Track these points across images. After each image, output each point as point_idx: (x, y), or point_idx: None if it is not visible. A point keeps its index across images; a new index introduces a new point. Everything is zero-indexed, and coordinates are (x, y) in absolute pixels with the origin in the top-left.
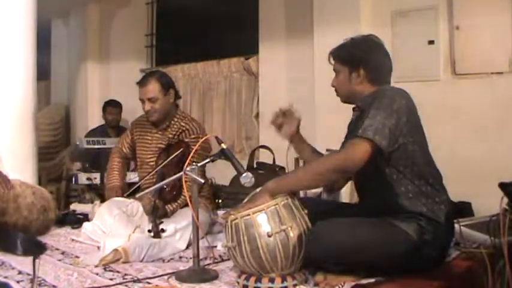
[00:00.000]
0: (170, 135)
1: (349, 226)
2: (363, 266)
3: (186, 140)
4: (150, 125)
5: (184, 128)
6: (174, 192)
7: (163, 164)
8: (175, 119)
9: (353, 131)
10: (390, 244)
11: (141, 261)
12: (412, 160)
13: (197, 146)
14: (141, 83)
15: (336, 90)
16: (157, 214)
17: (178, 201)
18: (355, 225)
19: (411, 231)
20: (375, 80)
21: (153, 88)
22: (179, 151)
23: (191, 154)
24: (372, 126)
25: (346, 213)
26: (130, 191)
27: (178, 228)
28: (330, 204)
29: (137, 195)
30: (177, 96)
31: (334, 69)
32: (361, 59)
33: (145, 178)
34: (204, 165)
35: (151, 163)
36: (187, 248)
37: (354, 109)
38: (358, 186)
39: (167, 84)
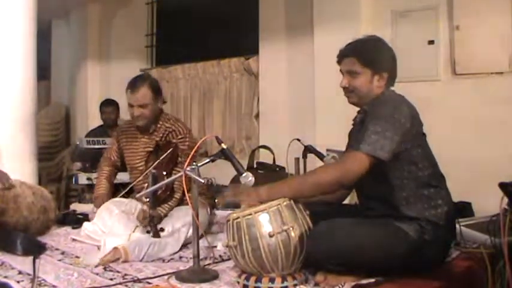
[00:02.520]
0: (157, 138)
1: (349, 227)
2: (363, 266)
3: (174, 140)
4: (135, 130)
5: (170, 130)
6: (168, 193)
7: (153, 165)
8: (160, 122)
9: (355, 137)
10: (391, 244)
11: (141, 260)
12: (415, 164)
13: (193, 151)
14: (133, 89)
15: (347, 91)
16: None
17: (170, 203)
18: (355, 225)
19: (411, 231)
20: (390, 83)
21: (145, 94)
22: (168, 152)
23: (189, 158)
24: (370, 139)
25: (346, 214)
26: (123, 192)
27: (175, 228)
28: (330, 205)
29: (137, 196)
30: (163, 101)
31: (349, 70)
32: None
33: (137, 181)
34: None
35: (141, 168)
36: (187, 248)
37: (358, 112)
38: (359, 191)
39: (158, 90)
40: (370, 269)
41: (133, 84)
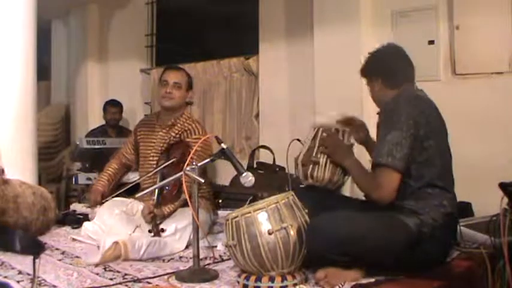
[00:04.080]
0: (173, 134)
1: (349, 216)
2: (364, 256)
3: (187, 140)
4: (155, 123)
5: (186, 128)
6: (175, 192)
7: (164, 165)
8: (181, 119)
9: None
10: (390, 234)
11: (141, 258)
12: (427, 164)
13: (197, 145)
14: (172, 67)
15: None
16: (157, 219)
17: (176, 203)
18: (355, 215)
19: (411, 223)
20: (393, 85)
21: (182, 76)
22: (179, 156)
23: (191, 154)
24: (384, 149)
25: (350, 206)
26: (126, 188)
27: (179, 228)
28: (334, 198)
29: (137, 196)
30: (190, 101)
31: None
32: (375, 70)
33: (144, 178)
34: (204, 166)
35: (153, 162)
36: (187, 247)
37: (378, 113)
38: None
39: (191, 84)
40: (370, 257)
41: (173, 66)
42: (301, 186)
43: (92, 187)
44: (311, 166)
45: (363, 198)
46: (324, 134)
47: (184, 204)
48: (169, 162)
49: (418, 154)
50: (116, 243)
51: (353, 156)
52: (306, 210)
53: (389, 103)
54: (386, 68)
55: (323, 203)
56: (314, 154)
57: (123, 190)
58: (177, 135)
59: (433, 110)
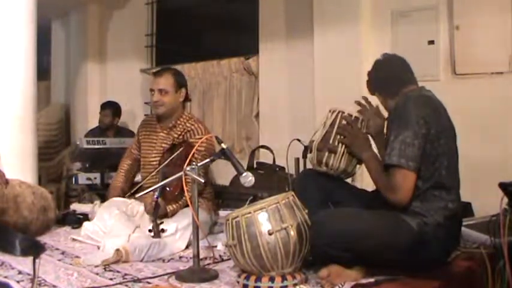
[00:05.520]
0: (175, 135)
1: (353, 213)
2: (365, 254)
3: (191, 140)
4: (156, 124)
5: (189, 129)
6: (177, 193)
7: (165, 163)
8: (182, 119)
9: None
10: (392, 233)
11: (141, 261)
12: (436, 164)
13: (197, 144)
14: (156, 74)
15: None
16: (158, 214)
17: (179, 202)
18: (359, 213)
19: (414, 224)
20: (391, 94)
21: (166, 81)
22: (180, 150)
23: (192, 152)
24: (396, 150)
25: (356, 199)
26: (132, 191)
27: (180, 228)
28: (341, 188)
29: (137, 195)
30: (187, 98)
31: None
32: (372, 87)
33: (148, 178)
34: (206, 166)
35: (155, 162)
36: (187, 247)
37: (386, 119)
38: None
39: (180, 82)
40: (371, 255)
41: (159, 70)
42: (310, 168)
43: (111, 185)
44: (327, 153)
45: (369, 189)
46: (344, 122)
47: (187, 204)
48: (169, 160)
49: (428, 154)
50: (117, 250)
51: (371, 149)
52: (306, 211)
53: (398, 105)
54: (378, 82)
55: (329, 190)
56: (331, 141)
57: (135, 189)
58: (180, 136)
59: (443, 110)
